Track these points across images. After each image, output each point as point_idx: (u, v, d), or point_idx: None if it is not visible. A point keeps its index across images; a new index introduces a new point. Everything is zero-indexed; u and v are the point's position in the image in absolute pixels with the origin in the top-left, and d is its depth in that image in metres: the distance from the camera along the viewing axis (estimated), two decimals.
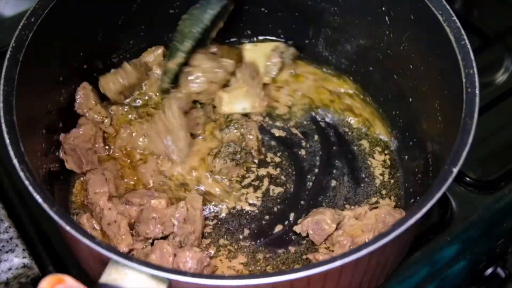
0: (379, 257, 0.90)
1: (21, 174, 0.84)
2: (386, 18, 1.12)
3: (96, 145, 1.13)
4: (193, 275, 0.77)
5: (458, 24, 0.98)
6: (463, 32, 0.97)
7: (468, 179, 1.16)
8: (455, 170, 0.85)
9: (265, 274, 0.77)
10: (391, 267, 1.02)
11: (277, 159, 1.18)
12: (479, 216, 1.12)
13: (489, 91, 1.28)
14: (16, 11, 0.97)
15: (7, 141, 0.87)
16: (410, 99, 1.14)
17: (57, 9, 1.01)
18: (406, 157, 1.16)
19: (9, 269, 1.01)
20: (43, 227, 1.08)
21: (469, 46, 0.95)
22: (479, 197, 1.14)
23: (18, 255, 1.02)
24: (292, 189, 1.14)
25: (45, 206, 0.82)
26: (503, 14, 1.42)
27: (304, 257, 1.06)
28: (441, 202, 1.13)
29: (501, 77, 1.31)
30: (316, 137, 1.22)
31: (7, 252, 1.02)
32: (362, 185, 1.15)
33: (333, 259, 0.76)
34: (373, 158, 1.18)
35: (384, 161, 1.18)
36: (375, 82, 1.24)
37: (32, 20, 0.98)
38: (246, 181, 1.15)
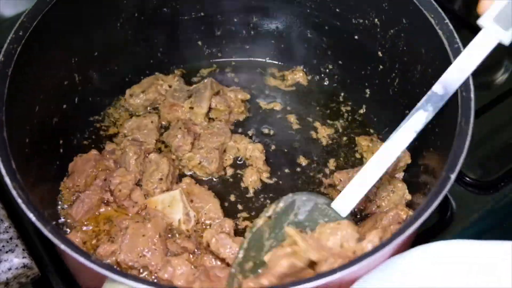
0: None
1: (13, 192, 0.84)
2: (376, 21, 1.13)
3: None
4: None
5: (451, 27, 0.97)
6: (456, 35, 0.96)
7: (468, 179, 1.16)
8: (453, 176, 0.84)
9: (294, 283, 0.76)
10: None
11: None
12: (479, 216, 1.12)
13: (489, 91, 1.28)
14: (16, 11, 0.97)
15: None
16: (406, 109, 1.14)
17: (45, 21, 1.00)
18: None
19: (9, 269, 1.01)
20: None
21: (462, 49, 0.94)
22: (479, 197, 1.14)
23: (18, 255, 1.02)
24: None
25: (39, 224, 0.82)
26: None
27: None
28: (441, 202, 1.13)
29: (501, 77, 1.31)
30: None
31: (7, 252, 1.02)
32: None
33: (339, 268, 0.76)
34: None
35: None
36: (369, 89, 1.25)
37: (20, 33, 0.97)
38: None
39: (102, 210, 1.09)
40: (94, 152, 1.16)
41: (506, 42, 0.89)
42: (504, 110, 1.25)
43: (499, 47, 1.34)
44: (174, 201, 1.08)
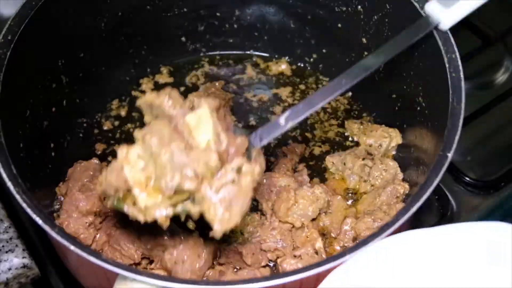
0: None
1: (17, 196, 0.84)
2: (359, 7, 1.13)
3: None
4: (206, 282, 0.77)
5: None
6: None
7: (468, 179, 1.16)
8: (450, 155, 0.86)
9: (277, 275, 0.78)
10: None
11: None
12: (479, 216, 1.12)
13: (489, 91, 1.28)
14: (15, 10, 0.97)
15: None
16: (392, 92, 1.15)
17: (31, 24, 0.99)
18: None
19: (9, 269, 1.01)
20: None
21: (449, 32, 0.96)
22: (479, 197, 1.14)
23: (18, 255, 1.02)
24: None
25: (47, 227, 0.82)
26: (503, 14, 1.42)
27: None
28: (441, 202, 1.13)
29: (501, 77, 1.31)
30: None
31: (7, 252, 1.02)
32: None
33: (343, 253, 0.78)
34: None
35: None
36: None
37: (9, 38, 0.96)
38: None
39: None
40: (95, 161, 1.11)
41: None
42: (504, 110, 1.25)
43: (500, 47, 1.35)
44: (202, 121, 0.86)
